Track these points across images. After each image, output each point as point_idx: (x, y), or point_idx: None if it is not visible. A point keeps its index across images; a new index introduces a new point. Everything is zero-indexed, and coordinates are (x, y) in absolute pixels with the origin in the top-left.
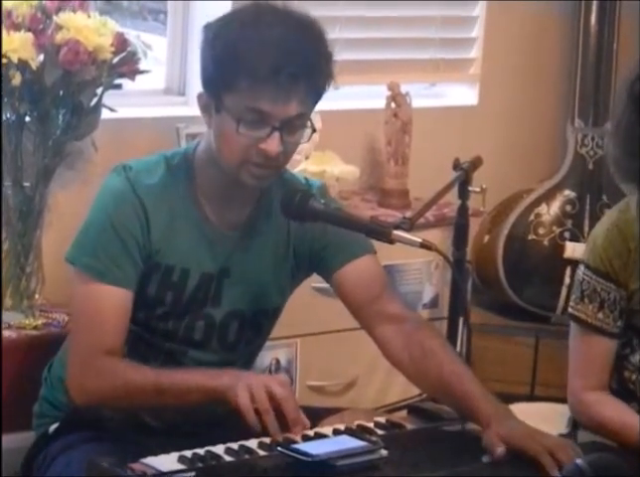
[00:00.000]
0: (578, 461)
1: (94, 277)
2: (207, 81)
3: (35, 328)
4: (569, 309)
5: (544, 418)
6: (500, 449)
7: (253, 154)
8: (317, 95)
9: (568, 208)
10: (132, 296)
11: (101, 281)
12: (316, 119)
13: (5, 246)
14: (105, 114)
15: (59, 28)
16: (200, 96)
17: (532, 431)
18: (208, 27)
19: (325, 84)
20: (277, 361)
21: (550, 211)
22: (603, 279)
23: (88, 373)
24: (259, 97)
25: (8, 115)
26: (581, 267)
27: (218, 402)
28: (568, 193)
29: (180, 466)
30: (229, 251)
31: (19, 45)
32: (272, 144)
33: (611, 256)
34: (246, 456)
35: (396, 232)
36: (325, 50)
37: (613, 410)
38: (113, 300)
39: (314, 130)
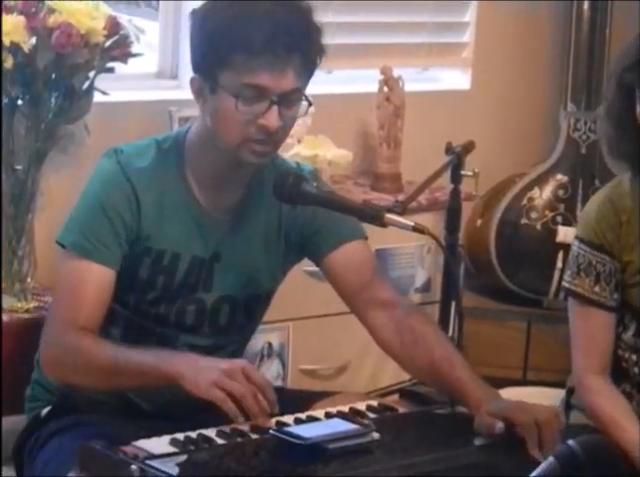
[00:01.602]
0: (570, 442)
1: (80, 254)
2: (200, 63)
3: (27, 311)
4: (566, 284)
5: (535, 402)
6: (499, 425)
7: (253, 131)
8: (310, 70)
9: (561, 192)
10: (115, 276)
11: (86, 258)
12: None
13: None
14: (98, 98)
15: (51, 11)
16: (193, 80)
17: (520, 403)
18: (195, 12)
19: (317, 58)
20: (270, 344)
21: (542, 195)
22: (598, 251)
23: (56, 345)
24: (256, 71)
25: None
26: (576, 242)
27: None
28: (561, 177)
29: (172, 449)
30: (220, 236)
31: (11, 28)
32: (272, 118)
33: (604, 229)
34: (239, 439)
35: (388, 215)
36: (315, 23)
37: (606, 402)
38: (95, 277)
39: (310, 103)
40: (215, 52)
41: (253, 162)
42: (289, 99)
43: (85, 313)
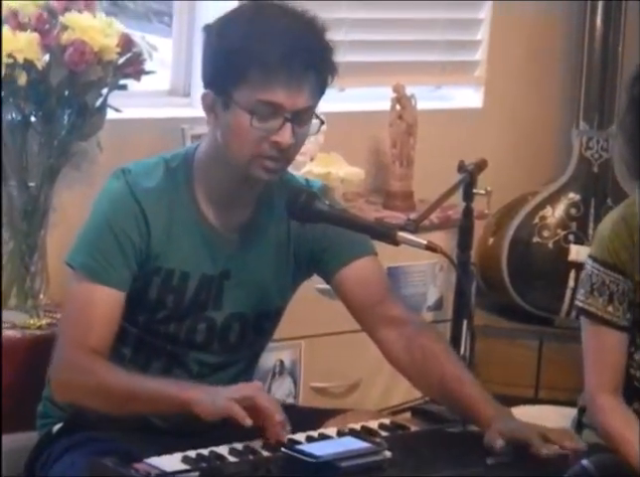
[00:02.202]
0: (584, 462)
1: (88, 276)
2: (213, 78)
3: (39, 328)
4: (579, 303)
5: (547, 421)
6: (499, 442)
7: (266, 147)
8: (323, 88)
9: (573, 211)
10: (124, 298)
11: (95, 281)
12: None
13: (10, 246)
14: (111, 115)
15: (64, 28)
16: (205, 96)
17: (534, 427)
18: (209, 27)
19: (330, 77)
20: (281, 362)
21: (554, 213)
22: (611, 271)
23: (67, 368)
24: (272, 88)
25: (13, 115)
26: (589, 261)
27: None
28: (573, 196)
29: (184, 466)
30: (229, 254)
31: (25, 45)
32: (285, 135)
33: (618, 248)
34: (250, 457)
35: (400, 233)
36: (328, 42)
37: (618, 421)
38: (104, 300)
39: (322, 122)
40: (230, 67)
41: (264, 178)
42: (302, 117)
43: (95, 335)
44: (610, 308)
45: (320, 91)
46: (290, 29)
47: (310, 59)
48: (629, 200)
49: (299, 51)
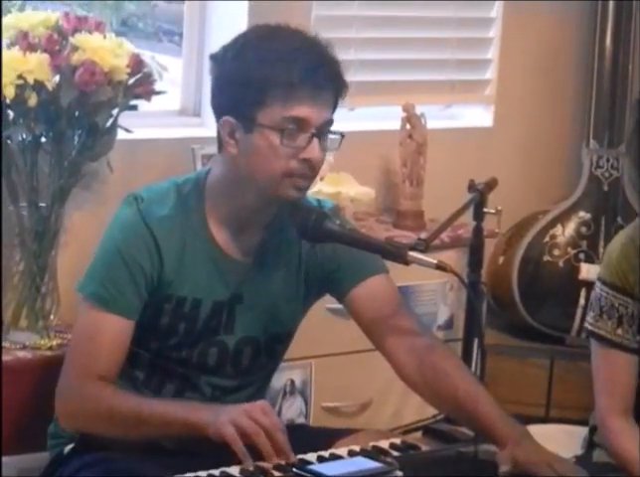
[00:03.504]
0: None
1: (98, 305)
2: (233, 105)
3: (50, 348)
4: (588, 326)
5: (558, 440)
6: (504, 468)
7: (295, 165)
8: (337, 104)
9: (584, 229)
10: (133, 326)
11: (104, 309)
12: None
13: (20, 267)
14: (121, 135)
15: (75, 49)
16: (225, 123)
17: (549, 457)
18: (220, 53)
19: (343, 93)
20: (292, 382)
21: (565, 232)
22: (620, 294)
23: (74, 396)
24: (298, 104)
25: (24, 136)
26: (598, 283)
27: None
28: (584, 214)
29: None
30: (240, 278)
31: (35, 66)
32: (315, 151)
33: (626, 271)
34: None
35: (411, 253)
36: (338, 58)
37: (629, 444)
38: (113, 328)
39: (343, 136)
40: (253, 91)
41: (295, 196)
42: (325, 131)
43: (103, 363)
44: (620, 331)
45: (335, 106)
46: (305, 46)
47: (330, 72)
48: (637, 221)
49: (320, 65)
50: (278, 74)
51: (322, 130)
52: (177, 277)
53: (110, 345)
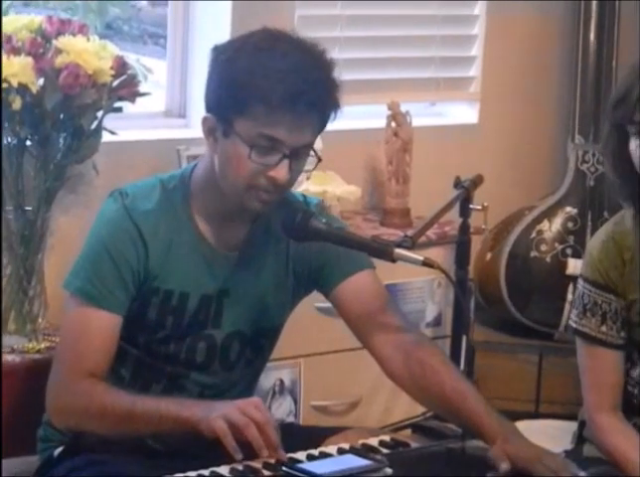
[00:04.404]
0: (583, 474)
1: (85, 301)
2: (217, 105)
3: (38, 352)
4: (573, 324)
5: (548, 435)
6: (504, 465)
7: (261, 180)
8: (324, 125)
9: (570, 224)
10: (121, 321)
11: (92, 305)
12: (317, 140)
13: (8, 271)
14: (106, 137)
15: (58, 52)
16: (205, 119)
17: (539, 452)
18: (218, 49)
19: (333, 114)
20: (281, 381)
21: (551, 228)
22: (603, 291)
23: (65, 393)
24: (275, 125)
25: (9, 139)
26: (580, 281)
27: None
28: (570, 209)
29: None
30: (228, 272)
31: (19, 69)
32: (282, 172)
33: (607, 268)
34: (251, 476)
35: (397, 250)
36: (335, 80)
37: (619, 440)
38: (101, 324)
39: (319, 159)
40: (235, 98)
41: (257, 209)
42: (300, 153)
43: (92, 359)
44: (604, 328)
45: (321, 128)
46: (297, 67)
47: (314, 99)
48: (617, 216)
49: (304, 91)
50: (261, 92)
51: (297, 152)
52: (164, 271)
53: (99, 341)
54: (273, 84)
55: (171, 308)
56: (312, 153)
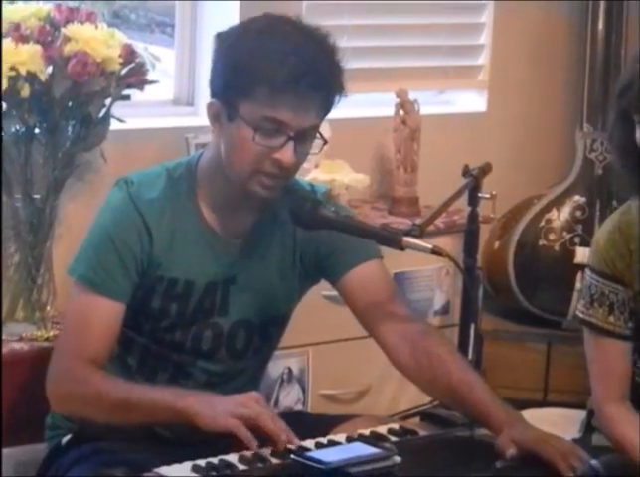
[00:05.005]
0: (593, 462)
1: (89, 288)
2: (221, 90)
3: (47, 340)
4: (580, 314)
5: (556, 424)
6: (511, 451)
7: (266, 164)
8: (328, 108)
9: (579, 213)
10: (124, 309)
11: (95, 292)
12: (325, 128)
13: (16, 259)
14: (114, 125)
15: (67, 39)
16: (210, 105)
17: (544, 436)
18: (221, 35)
19: (337, 97)
20: (289, 370)
21: (560, 216)
22: (610, 281)
23: (65, 379)
24: (278, 107)
25: (17, 127)
26: (588, 271)
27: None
28: (578, 198)
29: (194, 475)
30: (233, 260)
31: (27, 57)
32: (287, 154)
33: (614, 258)
34: (260, 464)
35: (406, 238)
36: (339, 62)
37: (628, 430)
38: (104, 311)
39: (325, 142)
40: (238, 82)
41: (262, 195)
42: (306, 136)
43: (93, 346)
44: (612, 318)
45: (326, 110)
46: (300, 49)
47: (318, 81)
48: (624, 207)
49: (307, 72)
50: (265, 73)
51: (302, 135)
52: (168, 259)
53: (101, 328)
54: (275, 66)
55: (175, 296)
56: (318, 136)
